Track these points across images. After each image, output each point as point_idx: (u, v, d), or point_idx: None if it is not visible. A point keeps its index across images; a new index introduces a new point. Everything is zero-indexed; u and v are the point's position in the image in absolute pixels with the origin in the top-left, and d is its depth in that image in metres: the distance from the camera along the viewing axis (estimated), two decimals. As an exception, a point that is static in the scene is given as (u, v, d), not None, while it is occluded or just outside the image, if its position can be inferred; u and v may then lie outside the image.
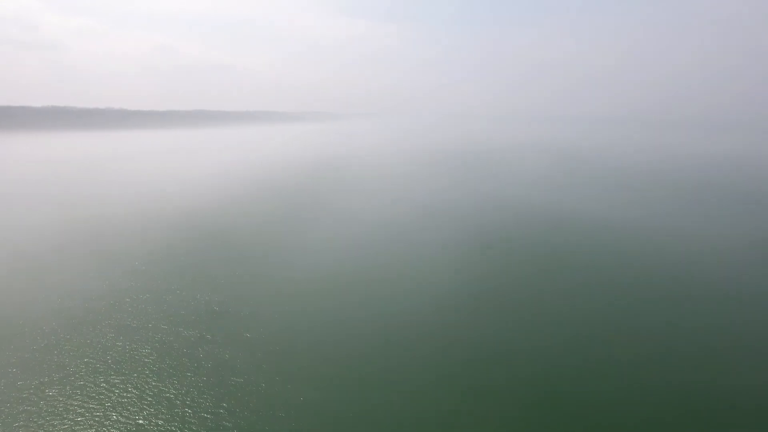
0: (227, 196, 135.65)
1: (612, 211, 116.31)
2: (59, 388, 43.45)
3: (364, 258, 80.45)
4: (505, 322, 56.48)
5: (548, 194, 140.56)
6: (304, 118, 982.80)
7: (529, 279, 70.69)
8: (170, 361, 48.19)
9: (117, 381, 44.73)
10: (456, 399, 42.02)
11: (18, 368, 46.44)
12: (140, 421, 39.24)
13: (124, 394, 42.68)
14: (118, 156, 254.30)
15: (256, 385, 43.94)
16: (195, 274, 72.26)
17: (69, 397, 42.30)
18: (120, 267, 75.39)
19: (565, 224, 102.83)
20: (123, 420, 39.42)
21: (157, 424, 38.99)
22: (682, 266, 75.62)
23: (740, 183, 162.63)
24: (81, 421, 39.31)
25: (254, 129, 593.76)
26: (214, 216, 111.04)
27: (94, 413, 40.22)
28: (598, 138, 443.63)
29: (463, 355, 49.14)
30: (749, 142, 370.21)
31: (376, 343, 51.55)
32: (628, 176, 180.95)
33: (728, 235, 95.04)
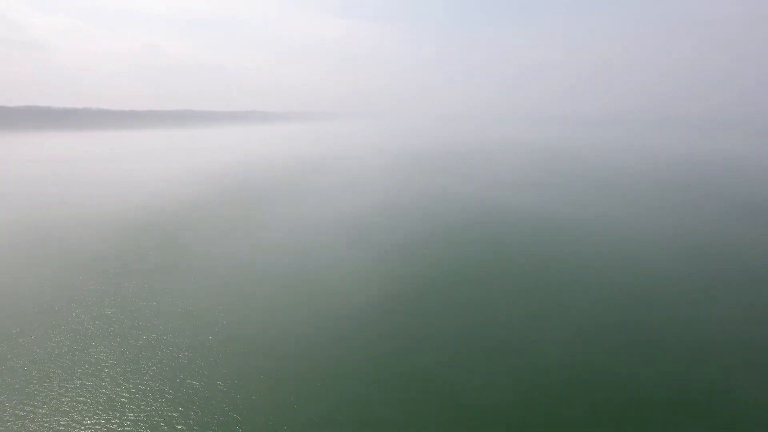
0: (186, 197, 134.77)
1: (587, 211, 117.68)
2: (8, 395, 42.18)
3: (319, 257, 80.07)
4: (465, 320, 56.55)
5: (519, 193, 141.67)
6: (292, 119, 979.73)
7: (493, 277, 70.74)
8: (127, 365, 47.19)
9: (71, 386, 43.62)
10: (416, 399, 41.91)
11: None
12: (91, 428, 38.29)
13: (79, 399, 41.66)
14: (86, 157, 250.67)
15: (213, 387, 43.26)
16: (150, 276, 70.96)
17: (20, 402, 41.09)
18: (78, 268, 73.76)
19: (533, 223, 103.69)
20: (74, 425, 38.41)
21: (108, 428, 38.10)
22: (655, 265, 76.67)
23: (725, 184, 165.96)
24: (34, 429, 38.20)
25: (238, 129, 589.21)
26: (172, 217, 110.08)
27: (44, 419, 39.13)
28: (590, 138, 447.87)
29: (422, 355, 49.04)
30: (737, 142, 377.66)
31: (333, 343, 51.02)
32: (605, 175, 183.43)
33: (707, 234, 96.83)
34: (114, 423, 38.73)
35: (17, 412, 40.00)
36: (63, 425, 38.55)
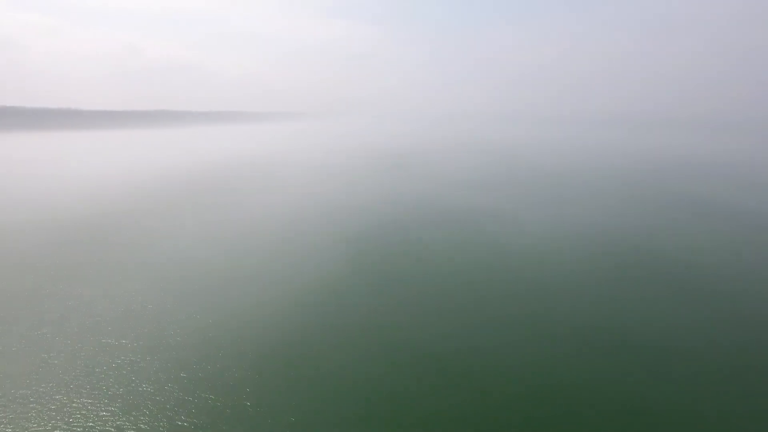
0: (135, 196, 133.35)
1: (533, 211, 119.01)
2: (-51, 405, 40.12)
3: (253, 256, 79.85)
4: (396, 320, 56.34)
5: (460, 193, 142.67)
6: (275, 119, 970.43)
7: (431, 275, 70.69)
8: (80, 370, 45.41)
9: (18, 395, 41.71)
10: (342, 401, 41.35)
11: None
12: (36, 437, 36.65)
13: (28, 406, 39.81)
14: (49, 157, 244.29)
15: (169, 392, 41.93)
16: (99, 275, 68.91)
17: (-41, 414, 39.09)
18: (25, 270, 71.12)
19: (463, 221, 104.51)
20: (17, 436, 36.71)
21: (55, 439, 36.53)
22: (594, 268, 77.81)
23: (686, 186, 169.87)
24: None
25: (216, 129, 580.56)
26: (119, 216, 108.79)
27: (-15, 430, 37.28)
28: (584, 139, 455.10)
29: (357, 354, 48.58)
30: (718, 145, 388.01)
31: (283, 345, 50.15)
32: (562, 176, 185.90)
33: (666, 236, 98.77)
34: (62, 430, 37.18)
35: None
36: (6, 436, 36.82)
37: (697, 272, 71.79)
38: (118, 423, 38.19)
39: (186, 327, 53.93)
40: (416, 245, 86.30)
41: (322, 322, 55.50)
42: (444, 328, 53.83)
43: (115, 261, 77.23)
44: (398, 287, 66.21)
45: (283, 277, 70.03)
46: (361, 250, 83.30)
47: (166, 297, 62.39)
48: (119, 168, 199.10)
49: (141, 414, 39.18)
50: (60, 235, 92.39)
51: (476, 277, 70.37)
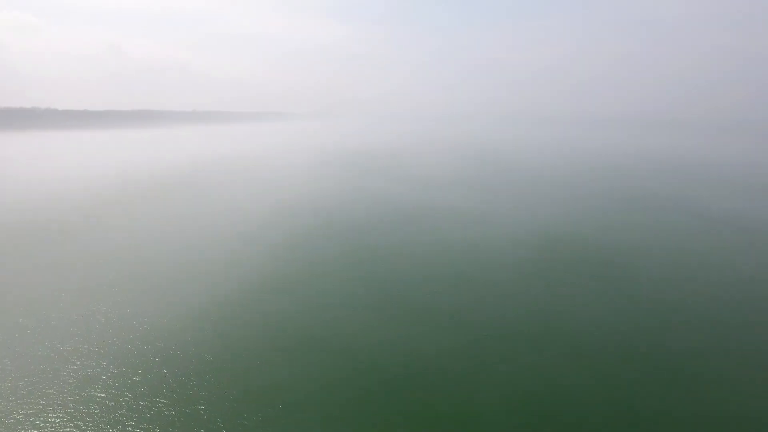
0: (96, 197, 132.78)
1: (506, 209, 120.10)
2: None
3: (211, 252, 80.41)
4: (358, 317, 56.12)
5: (425, 192, 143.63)
6: (271, 119, 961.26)
7: (392, 274, 71.29)
8: (31, 377, 43.90)
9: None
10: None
11: None
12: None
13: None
14: (15, 157, 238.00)
15: (122, 398, 40.80)
16: (53, 278, 67.15)
17: None
18: None
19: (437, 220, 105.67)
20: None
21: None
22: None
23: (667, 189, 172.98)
24: None
25: (196, 129, 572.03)
26: (75, 216, 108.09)
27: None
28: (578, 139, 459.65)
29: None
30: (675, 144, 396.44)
31: (238, 351, 49.33)
32: (532, 176, 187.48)
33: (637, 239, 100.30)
34: (4, 442, 35.83)
35: None
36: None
37: (636, 269, 73.32)
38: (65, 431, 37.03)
39: (138, 330, 52.64)
40: (371, 245, 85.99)
41: (281, 326, 54.77)
42: (399, 332, 53.46)
43: (68, 264, 75.28)
44: (348, 288, 65.84)
45: (234, 278, 68.80)
46: (313, 252, 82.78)
47: (120, 298, 60.83)
48: (87, 169, 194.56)
49: (94, 421, 38.04)
50: (11, 238, 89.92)
51: (416, 277, 69.99)
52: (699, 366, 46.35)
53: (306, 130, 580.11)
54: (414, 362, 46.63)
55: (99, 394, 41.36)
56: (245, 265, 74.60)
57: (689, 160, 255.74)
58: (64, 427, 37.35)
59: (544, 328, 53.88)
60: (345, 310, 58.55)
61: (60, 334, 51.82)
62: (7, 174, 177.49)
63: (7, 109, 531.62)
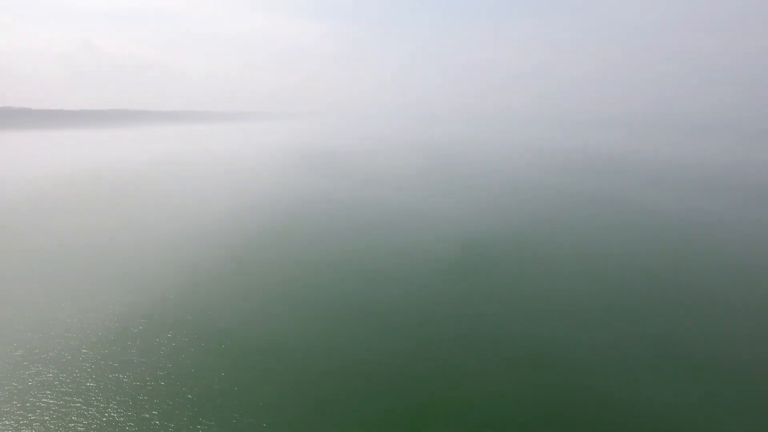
0: (46, 198, 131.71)
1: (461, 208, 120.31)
2: None
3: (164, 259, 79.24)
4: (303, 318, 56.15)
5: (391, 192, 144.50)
6: (235, 118, 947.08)
7: (344, 273, 72.15)
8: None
9: None
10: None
11: None
12: None
13: None
14: None
15: (73, 406, 40.02)
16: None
17: None
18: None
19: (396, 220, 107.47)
20: None
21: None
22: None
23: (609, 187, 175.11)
24: None
25: (176, 129, 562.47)
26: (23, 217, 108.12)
27: None
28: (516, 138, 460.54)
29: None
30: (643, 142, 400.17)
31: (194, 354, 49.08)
32: (480, 174, 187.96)
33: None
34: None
35: None
36: None
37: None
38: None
39: (95, 335, 51.66)
40: (321, 248, 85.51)
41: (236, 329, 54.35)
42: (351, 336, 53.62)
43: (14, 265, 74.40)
44: (288, 289, 66.12)
45: (187, 283, 68.17)
46: (260, 251, 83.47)
47: (78, 303, 59.62)
48: (41, 169, 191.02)
49: (43, 428, 37.26)
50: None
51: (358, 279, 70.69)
52: (594, 361, 47.99)
53: (281, 131, 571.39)
54: (361, 365, 46.76)
55: (49, 401, 40.52)
56: (198, 269, 73.63)
57: (648, 159, 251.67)
58: (11, 436, 36.49)
59: (469, 330, 54.42)
60: (292, 316, 58.30)
61: (11, 341, 50.55)
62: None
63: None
